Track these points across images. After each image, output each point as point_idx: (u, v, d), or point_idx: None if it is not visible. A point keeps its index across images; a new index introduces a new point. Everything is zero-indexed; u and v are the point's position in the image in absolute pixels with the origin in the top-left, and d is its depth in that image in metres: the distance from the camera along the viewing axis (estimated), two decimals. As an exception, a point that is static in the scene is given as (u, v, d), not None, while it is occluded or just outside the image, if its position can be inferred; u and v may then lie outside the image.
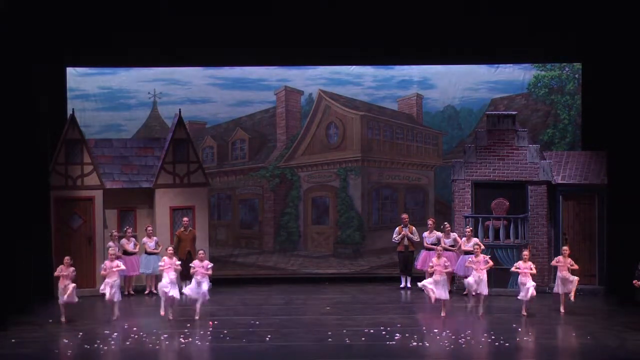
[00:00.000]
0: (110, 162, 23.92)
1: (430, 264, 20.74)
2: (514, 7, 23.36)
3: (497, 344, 18.09)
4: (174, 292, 20.19)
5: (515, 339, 18.44)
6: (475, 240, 22.21)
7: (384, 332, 18.86)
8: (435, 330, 18.98)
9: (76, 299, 20.31)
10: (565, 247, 21.09)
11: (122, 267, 20.78)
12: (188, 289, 20.34)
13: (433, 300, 20.25)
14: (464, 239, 22.46)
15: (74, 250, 22.88)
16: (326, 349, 17.79)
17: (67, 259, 20.46)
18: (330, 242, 25.78)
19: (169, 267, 20.42)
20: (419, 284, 20.66)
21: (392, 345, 18.05)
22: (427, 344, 18.06)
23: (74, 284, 20.25)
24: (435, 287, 20.24)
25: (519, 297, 20.37)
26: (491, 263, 20.66)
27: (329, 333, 18.77)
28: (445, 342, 18.12)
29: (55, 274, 20.42)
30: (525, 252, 20.72)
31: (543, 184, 22.87)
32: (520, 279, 20.36)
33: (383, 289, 23.62)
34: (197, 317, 20.13)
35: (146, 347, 18.18)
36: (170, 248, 21.29)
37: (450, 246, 22.90)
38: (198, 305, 20.24)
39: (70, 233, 23.28)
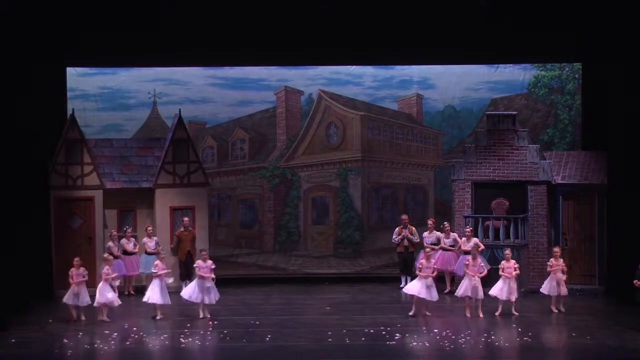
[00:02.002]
0: (110, 162, 23.92)
1: (419, 266, 20.65)
2: (515, 7, 23.36)
3: (497, 343, 18.10)
4: (164, 299, 20.37)
5: (515, 339, 18.45)
6: (475, 240, 22.23)
7: (384, 332, 18.87)
8: (435, 330, 18.99)
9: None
10: (556, 249, 21.05)
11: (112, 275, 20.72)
12: (198, 297, 20.34)
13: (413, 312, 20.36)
14: (463, 239, 22.46)
15: (74, 250, 22.85)
16: (326, 349, 17.79)
17: (76, 260, 20.47)
18: (330, 242, 25.78)
19: (162, 272, 20.45)
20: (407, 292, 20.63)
21: (392, 345, 18.06)
22: (427, 344, 18.07)
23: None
24: (424, 290, 20.25)
25: (499, 297, 20.46)
26: (485, 272, 20.69)
27: (329, 333, 18.78)
28: (445, 342, 18.13)
29: (71, 280, 20.39)
30: (507, 251, 20.73)
31: (543, 184, 22.87)
32: (504, 279, 20.40)
33: (383, 289, 23.62)
34: (208, 316, 20.26)
35: (146, 347, 18.19)
36: (163, 253, 21.32)
37: (450, 246, 22.91)
38: (206, 309, 20.36)
39: (70, 233, 23.27)
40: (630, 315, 20.02)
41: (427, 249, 21.13)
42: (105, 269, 20.41)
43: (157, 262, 20.80)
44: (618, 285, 21.94)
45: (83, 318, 20.21)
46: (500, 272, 20.62)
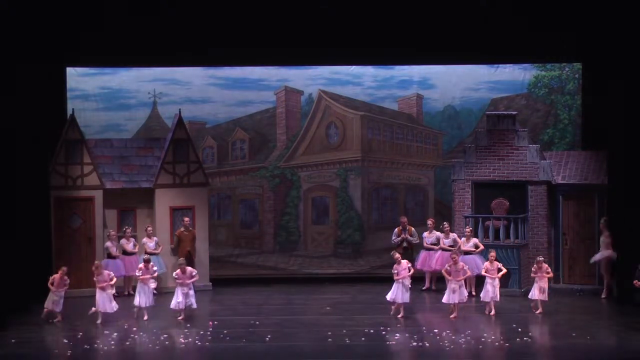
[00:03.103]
0: (110, 162, 23.92)
1: (394, 271, 20.61)
2: (514, 7, 23.36)
3: (497, 344, 18.11)
4: (149, 301, 20.47)
5: (515, 339, 18.45)
6: (474, 240, 22.24)
7: (384, 332, 18.87)
8: (435, 330, 18.99)
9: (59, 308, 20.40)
10: (540, 258, 20.98)
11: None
12: (174, 302, 20.38)
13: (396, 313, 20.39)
14: (463, 239, 22.47)
15: (74, 250, 22.92)
16: (326, 349, 17.80)
17: (63, 269, 20.46)
18: (330, 242, 25.77)
19: (147, 277, 20.50)
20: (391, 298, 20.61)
21: (392, 345, 18.06)
22: (427, 344, 18.07)
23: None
24: (398, 292, 20.30)
25: (482, 299, 20.50)
26: (469, 273, 20.73)
27: (329, 333, 18.78)
28: (445, 342, 18.13)
29: (49, 283, 20.41)
30: (492, 254, 20.73)
31: (543, 184, 22.87)
32: (488, 280, 20.41)
33: (383, 289, 23.54)
34: (180, 317, 20.25)
35: (146, 347, 18.19)
36: (147, 256, 21.33)
37: (449, 246, 22.90)
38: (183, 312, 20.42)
39: (70, 233, 23.27)
40: (630, 315, 20.05)
41: (396, 256, 20.88)
42: (95, 278, 20.41)
43: (141, 265, 20.80)
44: (618, 285, 21.93)
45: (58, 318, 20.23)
46: (484, 273, 20.63)
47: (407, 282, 20.39)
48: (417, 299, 22.10)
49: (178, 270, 20.60)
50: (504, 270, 20.66)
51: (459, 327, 19.36)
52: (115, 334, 19.03)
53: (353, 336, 18.55)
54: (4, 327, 19.45)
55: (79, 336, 18.96)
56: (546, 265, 20.80)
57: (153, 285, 20.69)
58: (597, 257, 22.19)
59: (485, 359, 17.53)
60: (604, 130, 23.77)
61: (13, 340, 18.57)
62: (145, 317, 20.32)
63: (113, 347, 18.16)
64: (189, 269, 20.62)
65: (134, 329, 19.47)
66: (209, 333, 19.08)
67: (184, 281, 20.31)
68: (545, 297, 20.60)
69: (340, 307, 21.53)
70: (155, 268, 21.08)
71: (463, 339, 18.26)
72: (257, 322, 19.93)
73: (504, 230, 22.58)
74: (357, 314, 20.78)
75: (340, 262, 25.67)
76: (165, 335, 18.84)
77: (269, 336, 18.62)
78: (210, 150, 25.70)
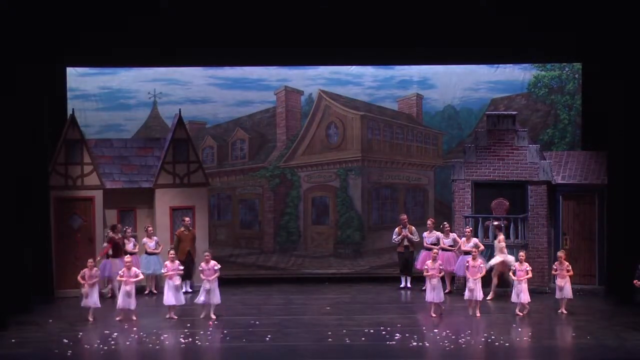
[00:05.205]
0: (110, 162, 23.94)
1: (425, 267, 20.71)
2: (514, 7, 23.36)
3: (497, 344, 18.11)
4: (179, 299, 20.46)
5: (515, 339, 18.45)
6: (475, 240, 22.23)
7: (384, 332, 18.87)
8: (435, 330, 18.99)
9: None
10: (560, 253, 21.00)
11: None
12: (201, 299, 20.36)
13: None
14: (463, 239, 22.47)
15: (74, 250, 22.89)
16: (326, 349, 17.81)
17: (90, 262, 20.52)
18: (330, 242, 25.77)
19: (172, 273, 20.49)
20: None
21: (392, 345, 18.06)
22: (427, 344, 18.08)
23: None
24: (432, 291, 20.30)
25: (512, 300, 20.48)
26: (484, 272, 20.69)
27: (329, 333, 18.79)
28: (445, 342, 18.13)
29: (80, 278, 20.46)
30: (521, 254, 20.76)
31: (543, 184, 22.88)
32: (515, 283, 20.41)
33: (383, 289, 23.63)
34: (213, 317, 20.28)
35: (146, 347, 18.19)
36: (172, 252, 21.31)
37: (449, 246, 22.91)
38: (212, 310, 20.38)
39: (70, 233, 23.27)
40: (630, 315, 20.05)
41: (434, 251, 21.04)
42: (122, 271, 20.43)
43: (167, 262, 20.83)
44: (618, 285, 21.93)
45: (91, 319, 20.19)
46: (512, 276, 20.59)
47: (434, 281, 20.35)
48: (417, 299, 22.11)
49: (202, 263, 20.61)
50: (530, 275, 20.62)
51: (459, 327, 19.36)
52: (116, 334, 19.03)
53: (353, 336, 18.55)
54: (4, 327, 19.44)
55: (79, 336, 18.97)
56: (567, 263, 20.77)
57: (177, 282, 20.66)
58: (491, 262, 21.87)
59: (485, 359, 17.52)
60: (604, 130, 23.76)
61: (13, 340, 18.58)
62: (169, 316, 20.37)
63: (113, 347, 18.17)
64: (213, 262, 20.55)
65: (134, 328, 19.47)
66: (209, 333, 19.09)
67: (208, 276, 20.27)
68: (570, 294, 20.59)
69: (340, 307, 21.54)
70: (181, 267, 21.05)
71: (463, 339, 18.27)
72: (257, 322, 19.93)
73: (504, 231, 22.56)
74: (357, 314, 20.78)
75: (340, 262, 25.68)
76: (165, 335, 18.84)
77: (269, 336, 18.62)
78: (210, 150, 25.71)
